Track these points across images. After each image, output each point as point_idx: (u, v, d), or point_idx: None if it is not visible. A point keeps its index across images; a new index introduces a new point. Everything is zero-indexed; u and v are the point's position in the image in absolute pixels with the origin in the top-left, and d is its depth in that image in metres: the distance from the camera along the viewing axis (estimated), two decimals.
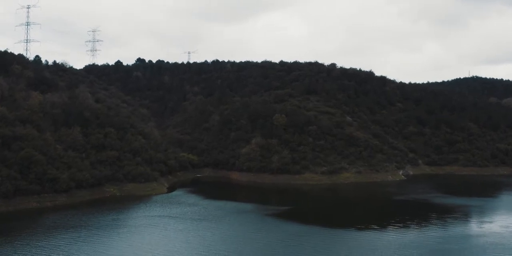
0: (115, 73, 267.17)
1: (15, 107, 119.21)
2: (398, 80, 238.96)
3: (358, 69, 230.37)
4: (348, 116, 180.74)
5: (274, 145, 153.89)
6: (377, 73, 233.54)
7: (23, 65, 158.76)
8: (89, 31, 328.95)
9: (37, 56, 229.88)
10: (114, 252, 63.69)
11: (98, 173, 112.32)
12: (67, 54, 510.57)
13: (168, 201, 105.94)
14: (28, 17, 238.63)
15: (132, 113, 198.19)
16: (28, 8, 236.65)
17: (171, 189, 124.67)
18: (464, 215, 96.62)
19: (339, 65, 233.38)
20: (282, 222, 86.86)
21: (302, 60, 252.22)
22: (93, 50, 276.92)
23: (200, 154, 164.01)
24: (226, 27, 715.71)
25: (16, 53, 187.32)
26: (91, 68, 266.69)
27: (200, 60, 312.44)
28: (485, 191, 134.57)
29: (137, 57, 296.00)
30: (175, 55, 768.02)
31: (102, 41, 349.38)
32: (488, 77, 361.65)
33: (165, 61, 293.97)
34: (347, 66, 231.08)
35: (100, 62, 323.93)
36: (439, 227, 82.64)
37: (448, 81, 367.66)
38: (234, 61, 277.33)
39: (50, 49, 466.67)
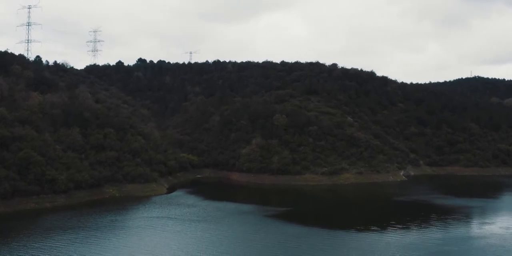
0: (116, 73, 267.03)
1: (14, 107, 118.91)
2: (400, 80, 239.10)
3: (359, 69, 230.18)
4: (349, 116, 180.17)
5: (274, 145, 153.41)
6: (379, 73, 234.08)
7: (23, 65, 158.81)
8: (90, 32, 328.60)
9: (37, 57, 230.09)
10: (111, 254, 63.25)
11: (97, 174, 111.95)
12: (68, 55, 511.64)
13: (167, 202, 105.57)
14: (29, 17, 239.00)
15: (133, 113, 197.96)
16: (29, 8, 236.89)
17: (170, 189, 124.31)
18: (465, 216, 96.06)
19: (340, 65, 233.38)
20: (282, 223, 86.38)
21: (303, 60, 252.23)
22: (94, 50, 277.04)
23: (200, 154, 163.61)
24: (228, 27, 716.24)
25: (17, 53, 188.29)
26: (92, 69, 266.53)
27: (202, 60, 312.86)
28: (486, 191, 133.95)
29: (138, 58, 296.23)
30: (176, 55, 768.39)
31: (103, 41, 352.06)
32: (490, 77, 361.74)
33: (166, 62, 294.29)
34: (349, 67, 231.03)
35: (102, 62, 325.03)
36: (439, 229, 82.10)
37: (450, 81, 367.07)
38: (235, 61, 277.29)
39: (52, 50, 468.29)
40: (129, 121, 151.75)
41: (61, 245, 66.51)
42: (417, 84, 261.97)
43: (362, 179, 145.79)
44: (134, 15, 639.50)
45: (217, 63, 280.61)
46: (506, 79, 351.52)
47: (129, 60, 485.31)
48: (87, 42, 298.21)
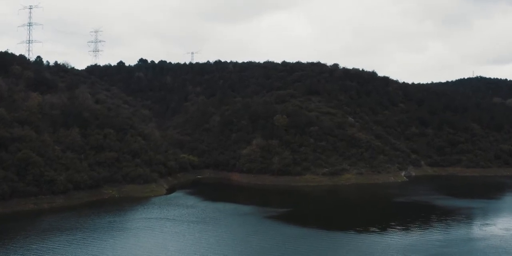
0: (117, 73, 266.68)
1: (13, 108, 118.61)
2: (402, 80, 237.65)
3: (360, 69, 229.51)
4: (350, 116, 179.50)
5: (275, 146, 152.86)
6: (381, 73, 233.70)
7: (23, 65, 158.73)
8: (92, 32, 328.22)
9: (38, 57, 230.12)
10: (108, 255, 62.81)
11: (97, 174, 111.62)
12: (70, 55, 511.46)
13: (166, 202, 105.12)
14: (30, 17, 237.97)
15: (133, 114, 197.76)
16: (30, 8, 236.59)
17: (170, 190, 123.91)
18: (465, 217, 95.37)
19: (343, 65, 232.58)
20: (281, 224, 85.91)
21: (306, 60, 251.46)
22: (95, 50, 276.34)
23: (201, 155, 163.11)
24: (230, 27, 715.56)
25: (19, 53, 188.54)
26: (93, 69, 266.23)
27: (204, 60, 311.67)
28: (487, 192, 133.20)
29: (140, 58, 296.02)
30: (178, 56, 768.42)
31: (104, 41, 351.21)
32: (492, 77, 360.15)
33: (168, 62, 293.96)
34: (351, 66, 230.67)
35: (103, 62, 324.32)
36: (439, 230, 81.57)
37: (452, 81, 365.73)
38: (236, 62, 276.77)
39: (53, 50, 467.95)
40: (129, 121, 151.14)
41: (58, 246, 66.19)
42: (418, 84, 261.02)
43: (362, 180, 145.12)
44: (135, 15, 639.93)
45: (218, 63, 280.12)
46: (509, 79, 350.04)
47: (131, 60, 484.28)
48: (88, 42, 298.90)
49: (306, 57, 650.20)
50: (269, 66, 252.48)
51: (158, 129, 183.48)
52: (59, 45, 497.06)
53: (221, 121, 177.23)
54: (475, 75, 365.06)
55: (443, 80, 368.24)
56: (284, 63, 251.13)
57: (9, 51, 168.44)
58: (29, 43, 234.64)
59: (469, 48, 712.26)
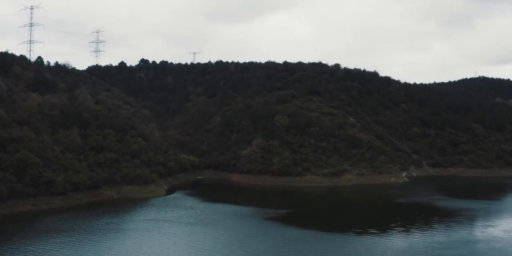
0: (118, 74, 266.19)
1: (13, 108, 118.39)
2: (404, 81, 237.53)
3: (362, 69, 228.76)
4: (351, 117, 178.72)
5: (275, 146, 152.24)
6: (384, 73, 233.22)
7: (24, 66, 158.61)
8: (93, 32, 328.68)
9: (39, 57, 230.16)
10: None
11: (96, 175, 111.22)
12: (72, 55, 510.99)
13: (165, 204, 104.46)
14: (31, 18, 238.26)
15: (134, 114, 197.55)
16: (31, 9, 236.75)
17: (170, 191, 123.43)
18: (466, 218, 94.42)
19: (345, 65, 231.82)
20: (280, 226, 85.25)
21: (308, 60, 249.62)
22: (97, 51, 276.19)
23: (201, 155, 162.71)
24: (232, 27, 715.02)
25: (20, 54, 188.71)
26: (94, 69, 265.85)
27: (206, 60, 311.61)
28: (489, 193, 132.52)
29: (141, 58, 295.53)
30: (180, 56, 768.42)
31: (105, 42, 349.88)
32: (494, 77, 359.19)
33: (169, 62, 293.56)
34: (353, 67, 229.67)
35: (105, 62, 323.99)
36: (440, 232, 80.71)
37: (454, 81, 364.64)
38: (237, 62, 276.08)
39: (55, 50, 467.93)
40: (129, 122, 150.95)
41: (53, 248, 65.68)
42: (420, 84, 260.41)
43: (363, 181, 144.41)
44: (137, 15, 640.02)
45: (219, 63, 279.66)
46: (511, 79, 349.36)
47: (132, 61, 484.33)
48: (89, 42, 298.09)
49: (307, 57, 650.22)
50: (270, 66, 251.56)
51: (158, 129, 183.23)
52: (60, 45, 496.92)
53: (222, 121, 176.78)
54: (477, 75, 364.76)
55: (446, 80, 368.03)
56: (285, 63, 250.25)
57: (10, 52, 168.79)
58: (30, 43, 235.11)
59: (471, 48, 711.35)
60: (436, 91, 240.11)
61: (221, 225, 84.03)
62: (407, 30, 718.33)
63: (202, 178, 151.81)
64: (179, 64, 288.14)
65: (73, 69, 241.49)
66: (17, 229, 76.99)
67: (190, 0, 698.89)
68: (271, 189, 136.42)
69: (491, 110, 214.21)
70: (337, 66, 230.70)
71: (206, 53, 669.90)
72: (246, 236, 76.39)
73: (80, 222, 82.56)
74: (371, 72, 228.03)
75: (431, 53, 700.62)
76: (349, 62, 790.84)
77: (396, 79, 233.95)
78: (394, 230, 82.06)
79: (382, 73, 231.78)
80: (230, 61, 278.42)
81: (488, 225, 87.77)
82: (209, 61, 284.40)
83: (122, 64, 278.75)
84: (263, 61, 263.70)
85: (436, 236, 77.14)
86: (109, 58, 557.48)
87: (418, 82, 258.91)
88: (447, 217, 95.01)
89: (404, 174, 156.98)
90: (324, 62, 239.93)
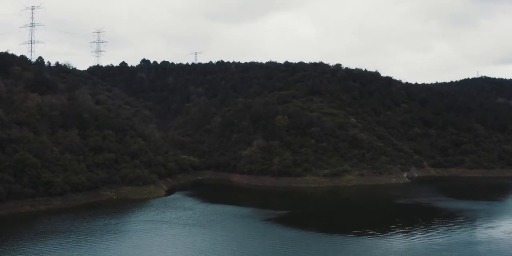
0: (119, 74, 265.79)
1: (12, 109, 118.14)
2: (406, 81, 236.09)
3: (363, 69, 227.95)
4: (352, 117, 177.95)
5: (275, 147, 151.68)
6: (386, 73, 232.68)
7: (24, 66, 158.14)
8: (94, 32, 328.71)
9: (39, 58, 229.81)
10: None
11: (95, 176, 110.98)
12: (73, 55, 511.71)
13: (164, 205, 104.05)
14: (32, 18, 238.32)
15: (134, 114, 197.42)
16: (32, 9, 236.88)
17: (170, 192, 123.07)
18: (467, 220, 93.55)
19: (347, 65, 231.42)
20: (279, 227, 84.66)
21: (310, 60, 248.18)
22: (98, 51, 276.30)
23: (202, 156, 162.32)
24: (235, 28, 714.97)
25: (21, 54, 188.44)
26: (95, 69, 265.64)
27: (208, 61, 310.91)
28: (491, 194, 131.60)
29: (142, 58, 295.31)
30: (182, 56, 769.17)
31: (106, 42, 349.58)
32: (497, 77, 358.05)
33: (170, 62, 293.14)
34: (356, 67, 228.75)
35: (107, 62, 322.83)
36: (440, 233, 79.96)
37: (456, 81, 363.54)
38: (239, 62, 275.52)
39: (56, 51, 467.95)
40: (129, 122, 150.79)
41: (50, 249, 65.42)
42: (421, 84, 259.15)
43: (364, 181, 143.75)
44: (139, 15, 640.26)
45: (221, 63, 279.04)
46: None
47: (134, 61, 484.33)
48: (90, 42, 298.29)
49: (309, 57, 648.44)
50: (271, 66, 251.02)
51: (159, 130, 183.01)
52: (61, 45, 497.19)
53: (222, 122, 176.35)
54: (479, 75, 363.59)
55: (447, 80, 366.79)
56: (286, 63, 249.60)
57: (10, 52, 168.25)
58: (31, 43, 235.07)
59: (473, 48, 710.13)
60: (438, 91, 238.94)
61: (219, 226, 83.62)
62: (408, 30, 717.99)
63: (202, 179, 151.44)
64: (180, 64, 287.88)
65: (74, 69, 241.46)
66: (14, 230, 76.76)
67: (191, 0, 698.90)
68: (271, 190, 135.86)
69: (493, 110, 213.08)
70: (338, 66, 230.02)
71: (208, 53, 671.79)
72: (245, 238, 75.88)
73: (78, 223, 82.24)
74: (372, 72, 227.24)
75: (433, 53, 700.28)
76: (351, 62, 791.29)
77: (398, 79, 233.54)
78: (394, 231, 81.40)
79: (384, 73, 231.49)
80: (231, 61, 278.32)
81: (489, 227, 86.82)
82: (210, 61, 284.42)
83: (123, 64, 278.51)
84: (264, 61, 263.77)
85: (436, 238, 76.43)
86: (110, 58, 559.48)
87: (419, 82, 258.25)
88: (448, 218, 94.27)
89: (405, 174, 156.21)
90: (325, 62, 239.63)
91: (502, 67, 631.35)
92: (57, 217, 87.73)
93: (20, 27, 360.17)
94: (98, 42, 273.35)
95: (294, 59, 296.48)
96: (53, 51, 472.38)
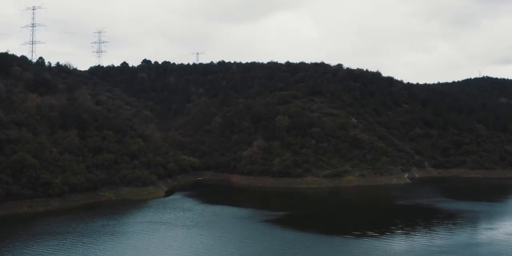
0: (120, 74, 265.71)
1: (12, 109, 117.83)
2: (408, 81, 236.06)
3: (364, 69, 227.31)
4: (353, 117, 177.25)
5: (276, 147, 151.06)
6: (388, 73, 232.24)
7: (24, 66, 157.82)
8: (95, 32, 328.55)
9: (40, 58, 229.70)
10: None
11: (94, 176, 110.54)
12: (74, 56, 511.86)
13: (163, 206, 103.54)
14: (33, 18, 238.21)
15: (135, 115, 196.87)
16: (33, 9, 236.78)
17: (169, 192, 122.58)
18: (468, 221, 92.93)
19: (348, 65, 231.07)
20: (278, 228, 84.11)
21: (312, 60, 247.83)
22: (99, 51, 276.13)
23: (202, 156, 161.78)
24: (236, 28, 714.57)
25: (22, 55, 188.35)
26: (96, 70, 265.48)
27: (209, 61, 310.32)
28: (492, 195, 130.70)
29: (143, 58, 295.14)
30: (183, 56, 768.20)
31: (107, 42, 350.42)
32: (499, 77, 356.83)
33: (171, 62, 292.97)
34: (357, 67, 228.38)
35: (107, 63, 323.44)
36: (440, 235, 79.34)
37: (458, 81, 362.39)
38: (240, 62, 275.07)
39: (57, 51, 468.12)
40: (129, 123, 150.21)
41: (47, 250, 65.10)
42: (423, 85, 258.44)
43: (365, 182, 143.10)
44: (140, 15, 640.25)
45: (221, 63, 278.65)
46: None
47: (135, 61, 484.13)
48: (91, 43, 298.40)
49: (310, 57, 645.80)
50: (272, 66, 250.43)
51: (160, 130, 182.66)
52: (61, 45, 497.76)
53: (223, 122, 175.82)
54: (481, 75, 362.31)
55: (450, 80, 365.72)
56: (287, 63, 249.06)
57: (10, 52, 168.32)
58: (32, 44, 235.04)
59: (475, 48, 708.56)
60: (439, 91, 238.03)
61: (218, 228, 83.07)
62: (410, 30, 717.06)
63: (202, 180, 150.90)
64: (181, 64, 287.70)
65: (75, 69, 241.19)
66: (12, 231, 76.29)
67: (192, 0, 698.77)
68: (271, 191, 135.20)
69: (495, 110, 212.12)
70: (339, 66, 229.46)
71: (209, 54, 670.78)
72: (243, 239, 75.37)
73: (76, 225, 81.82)
74: (373, 72, 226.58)
75: (435, 53, 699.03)
76: (353, 62, 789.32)
77: (400, 79, 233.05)
78: (394, 232, 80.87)
79: (385, 73, 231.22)
80: (232, 62, 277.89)
81: (490, 228, 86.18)
82: (211, 62, 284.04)
83: (124, 64, 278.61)
84: (265, 62, 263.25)
85: (437, 239, 75.81)
86: (111, 59, 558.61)
87: (421, 82, 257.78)
88: (448, 219, 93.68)
89: (406, 175, 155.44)
90: (327, 62, 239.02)
91: (504, 67, 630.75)
92: (55, 218, 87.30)
93: (21, 27, 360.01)
94: (99, 42, 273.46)
95: (295, 59, 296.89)
96: (54, 51, 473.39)
